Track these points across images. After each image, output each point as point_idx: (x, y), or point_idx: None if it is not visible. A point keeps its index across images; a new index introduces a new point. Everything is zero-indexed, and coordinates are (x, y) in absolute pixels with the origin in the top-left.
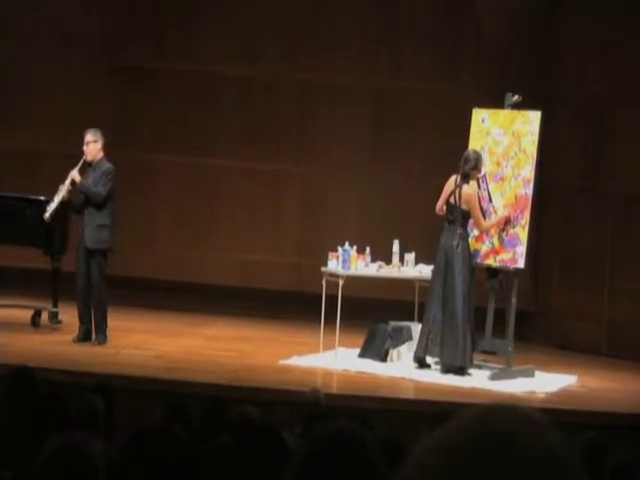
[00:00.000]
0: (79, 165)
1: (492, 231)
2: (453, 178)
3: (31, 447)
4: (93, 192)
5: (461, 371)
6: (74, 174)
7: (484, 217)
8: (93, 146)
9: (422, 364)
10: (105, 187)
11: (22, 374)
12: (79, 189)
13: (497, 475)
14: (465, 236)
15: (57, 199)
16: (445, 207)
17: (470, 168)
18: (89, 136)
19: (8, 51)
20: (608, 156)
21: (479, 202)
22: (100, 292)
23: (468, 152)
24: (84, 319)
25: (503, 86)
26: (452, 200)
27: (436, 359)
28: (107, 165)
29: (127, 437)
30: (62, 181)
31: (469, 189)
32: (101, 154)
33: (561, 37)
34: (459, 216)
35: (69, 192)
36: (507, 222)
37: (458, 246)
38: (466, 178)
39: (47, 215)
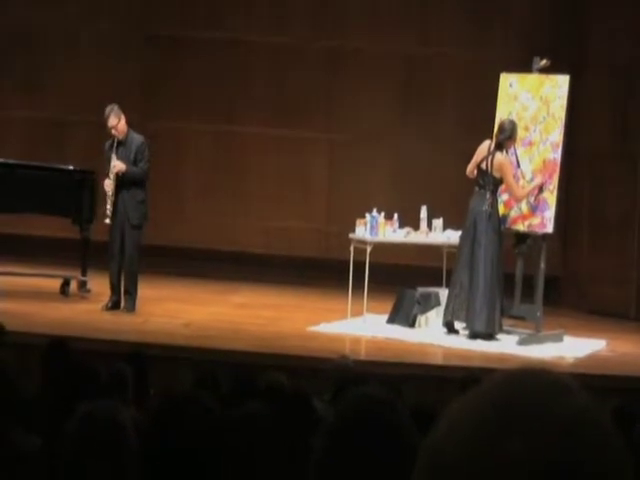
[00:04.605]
0: (114, 150)
1: (527, 197)
2: (487, 144)
3: (61, 415)
4: (139, 174)
5: (489, 337)
6: (119, 166)
7: None
8: (121, 125)
9: (451, 328)
10: (147, 163)
11: (57, 346)
12: (127, 177)
13: (529, 438)
14: (495, 203)
15: (109, 198)
16: (476, 171)
17: (505, 138)
18: (113, 119)
19: (39, 20)
20: (638, 119)
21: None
22: (133, 263)
23: (503, 121)
24: (115, 290)
25: (532, 50)
26: (484, 166)
27: (464, 324)
28: (137, 138)
29: (157, 405)
30: (91, 150)
31: (502, 157)
32: (126, 127)
33: (592, 0)
34: (490, 183)
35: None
36: (540, 189)
37: (488, 212)
38: (500, 147)
39: (108, 220)
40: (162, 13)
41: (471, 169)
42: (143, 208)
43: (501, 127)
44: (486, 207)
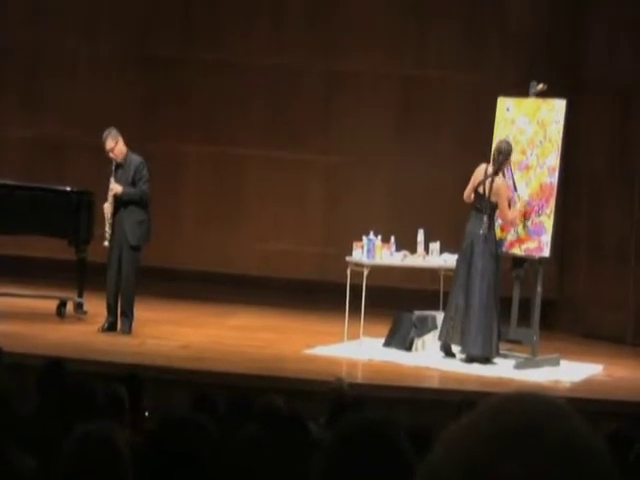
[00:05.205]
0: (113, 173)
1: (517, 220)
2: (483, 167)
3: (57, 436)
4: (137, 194)
5: (485, 361)
6: (116, 188)
7: (508, 206)
8: (119, 147)
9: (447, 351)
10: (146, 183)
11: (53, 367)
12: (124, 199)
13: (526, 461)
14: (492, 225)
15: (108, 221)
16: (473, 195)
17: (504, 159)
18: (109, 142)
19: (37, 40)
20: (636, 142)
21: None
22: (130, 284)
23: (500, 143)
24: (112, 311)
25: (530, 72)
26: (481, 190)
27: (459, 348)
28: (135, 159)
29: (154, 426)
30: (89, 171)
31: (501, 182)
32: (125, 148)
33: (589, 23)
34: (488, 207)
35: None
36: (525, 216)
37: (485, 235)
38: (498, 170)
39: (106, 243)
40: (162, 35)
41: (468, 194)
42: (143, 229)
43: (499, 149)
44: (483, 230)
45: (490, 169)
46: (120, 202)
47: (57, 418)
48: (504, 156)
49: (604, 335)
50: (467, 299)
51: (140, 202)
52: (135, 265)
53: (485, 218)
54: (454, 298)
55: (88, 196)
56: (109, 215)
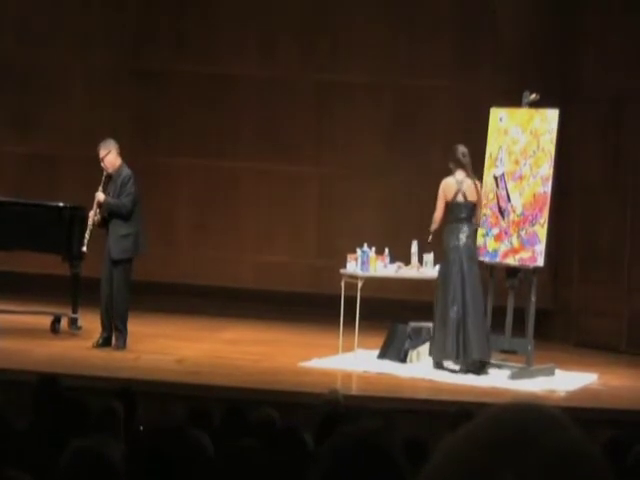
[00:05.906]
0: (102, 183)
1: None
2: (450, 180)
3: (52, 452)
4: (117, 205)
5: (481, 368)
6: (99, 196)
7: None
8: (109, 158)
9: (440, 367)
10: (128, 196)
11: (48, 382)
12: (105, 208)
13: (522, 471)
14: (474, 230)
15: (89, 227)
16: (450, 209)
17: (469, 159)
18: (101, 151)
19: (29, 55)
20: (628, 151)
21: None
22: (122, 299)
23: (461, 148)
24: (106, 326)
25: (522, 82)
26: (460, 199)
27: (453, 361)
28: (124, 172)
29: (149, 440)
30: (82, 186)
31: (477, 181)
32: (119, 161)
33: (581, 33)
34: (469, 212)
35: (99, 214)
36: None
37: (469, 243)
38: (469, 171)
39: (84, 249)
40: (154, 48)
41: (440, 214)
42: (127, 242)
43: (463, 153)
44: (467, 239)
45: (459, 175)
46: (107, 214)
47: (52, 434)
48: (469, 156)
49: (598, 344)
50: (465, 310)
51: (121, 215)
52: (125, 279)
53: (465, 225)
54: (448, 313)
55: (81, 212)
56: (90, 222)
